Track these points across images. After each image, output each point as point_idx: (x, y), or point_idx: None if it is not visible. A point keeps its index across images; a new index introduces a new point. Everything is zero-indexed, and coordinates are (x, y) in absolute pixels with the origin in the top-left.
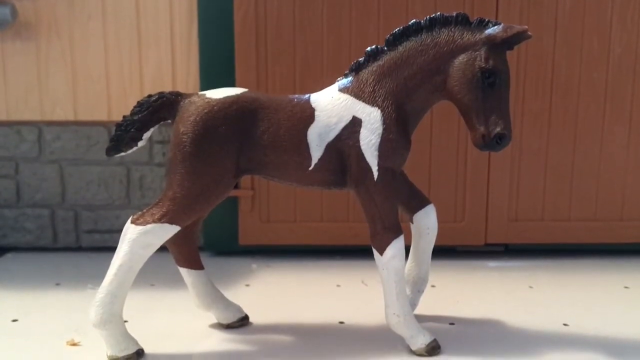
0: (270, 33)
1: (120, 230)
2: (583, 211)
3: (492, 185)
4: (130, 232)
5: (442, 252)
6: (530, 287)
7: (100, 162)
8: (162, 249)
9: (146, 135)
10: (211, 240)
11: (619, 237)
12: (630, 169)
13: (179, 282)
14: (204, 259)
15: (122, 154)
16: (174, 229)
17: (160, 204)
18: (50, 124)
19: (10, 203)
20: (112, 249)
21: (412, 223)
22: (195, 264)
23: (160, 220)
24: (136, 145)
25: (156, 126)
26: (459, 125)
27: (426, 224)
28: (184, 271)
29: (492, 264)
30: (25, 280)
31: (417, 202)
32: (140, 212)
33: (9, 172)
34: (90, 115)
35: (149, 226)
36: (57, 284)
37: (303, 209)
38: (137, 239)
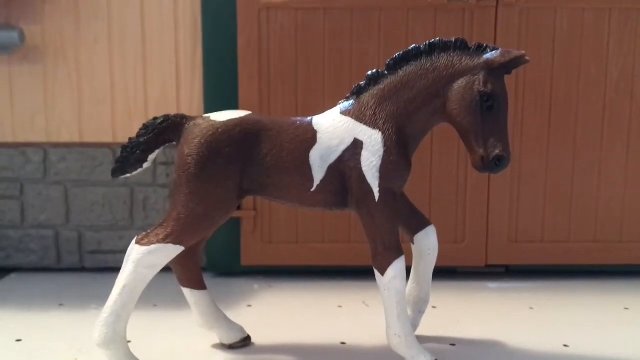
0: (273, 56)
1: (124, 251)
2: (583, 233)
3: (492, 207)
4: (135, 252)
5: (442, 273)
6: (531, 308)
7: (105, 183)
8: (165, 269)
9: (151, 157)
10: (214, 260)
11: (618, 259)
12: (629, 190)
13: (181, 303)
14: (207, 279)
15: (127, 175)
16: (178, 250)
17: (165, 224)
18: (56, 145)
19: (15, 224)
20: (115, 269)
21: (413, 244)
22: (198, 284)
23: (164, 240)
24: (141, 167)
25: (161, 148)
26: (458, 147)
27: (427, 244)
28: (187, 291)
29: (492, 285)
30: (29, 301)
31: (418, 223)
32: (144, 233)
33: (14, 193)
34: (96, 137)
35: (153, 246)
36: (61, 305)
37: (305, 230)
38: (142, 259)
